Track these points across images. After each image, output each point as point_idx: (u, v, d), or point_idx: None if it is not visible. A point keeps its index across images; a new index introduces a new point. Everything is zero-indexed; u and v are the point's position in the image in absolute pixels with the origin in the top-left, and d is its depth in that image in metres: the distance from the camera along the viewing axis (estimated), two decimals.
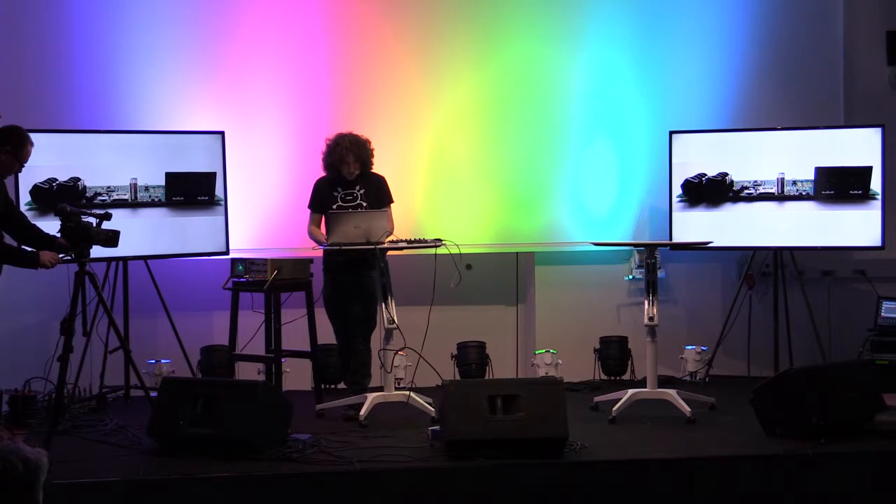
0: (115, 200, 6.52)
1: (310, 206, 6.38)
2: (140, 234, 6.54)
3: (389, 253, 6.22)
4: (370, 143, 6.34)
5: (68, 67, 6.96)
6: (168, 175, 6.70)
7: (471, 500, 4.91)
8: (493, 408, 5.12)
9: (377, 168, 6.42)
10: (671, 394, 6.07)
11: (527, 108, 7.43)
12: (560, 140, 7.47)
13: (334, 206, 6.26)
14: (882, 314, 7.16)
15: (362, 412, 5.88)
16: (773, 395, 5.56)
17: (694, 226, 7.15)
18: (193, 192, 6.77)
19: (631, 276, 7.54)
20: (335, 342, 6.71)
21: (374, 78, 7.27)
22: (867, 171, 6.98)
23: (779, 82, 7.58)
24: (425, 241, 6.19)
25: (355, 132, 6.30)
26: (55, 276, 6.11)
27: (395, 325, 6.03)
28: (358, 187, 6.31)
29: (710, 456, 5.20)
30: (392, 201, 6.39)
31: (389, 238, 6.08)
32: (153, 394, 5.70)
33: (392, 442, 5.41)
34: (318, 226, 6.33)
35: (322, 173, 6.38)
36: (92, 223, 5.51)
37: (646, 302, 6.18)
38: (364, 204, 6.28)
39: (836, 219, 7.03)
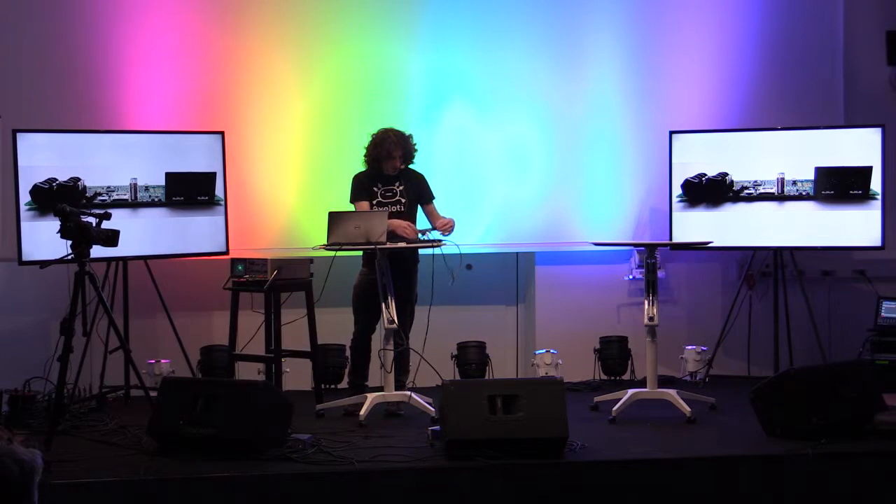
0: (115, 200, 6.52)
1: (354, 199, 6.34)
2: (140, 234, 6.53)
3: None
4: (412, 138, 6.36)
5: (69, 67, 6.95)
6: (168, 175, 6.70)
7: (471, 500, 4.91)
8: (493, 408, 5.12)
9: None
10: (671, 394, 6.07)
11: (526, 108, 7.43)
12: (560, 139, 7.47)
13: (374, 202, 6.28)
14: (882, 314, 7.16)
15: (362, 412, 5.87)
16: (773, 395, 5.56)
17: (694, 226, 7.15)
18: (193, 192, 6.77)
19: (631, 276, 7.54)
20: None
21: (375, 77, 7.27)
22: (867, 171, 6.98)
23: (779, 82, 7.58)
24: (425, 241, 6.20)
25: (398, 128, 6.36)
26: (55, 276, 6.12)
27: (395, 325, 6.03)
28: (398, 184, 6.35)
29: (710, 456, 5.20)
30: (433, 197, 6.45)
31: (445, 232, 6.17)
32: (153, 394, 5.69)
33: (392, 442, 5.41)
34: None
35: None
36: (91, 223, 5.51)
37: (646, 302, 6.18)
38: (403, 200, 6.31)
39: (836, 219, 7.03)
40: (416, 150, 6.40)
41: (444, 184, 7.01)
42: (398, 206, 6.31)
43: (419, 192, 6.41)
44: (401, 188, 6.35)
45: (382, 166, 6.31)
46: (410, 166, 6.45)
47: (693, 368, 7.35)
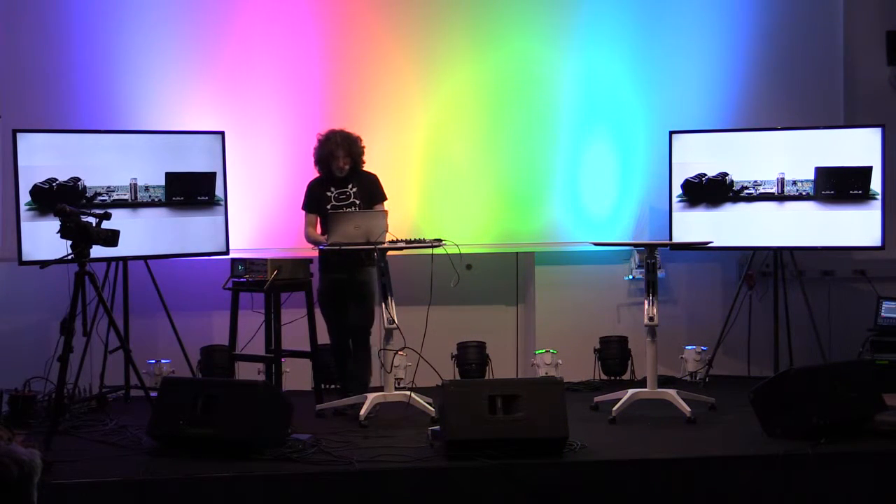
0: (115, 200, 6.52)
1: (304, 208, 6.40)
2: (140, 234, 6.54)
3: (389, 253, 6.21)
4: (361, 140, 6.36)
5: (68, 67, 6.96)
6: (168, 175, 6.70)
7: (471, 500, 4.92)
8: (493, 408, 5.12)
9: (376, 166, 6.44)
10: (671, 394, 6.07)
11: (526, 108, 7.42)
12: (560, 140, 7.47)
13: (328, 206, 6.27)
14: (882, 314, 7.16)
15: (362, 412, 5.87)
16: (773, 395, 5.56)
17: (694, 226, 7.14)
18: (193, 192, 6.77)
19: (631, 276, 7.54)
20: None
21: (373, 77, 7.27)
22: (867, 171, 6.98)
23: (779, 82, 7.58)
24: (425, 241, 6.20)
25: (348, 130, 6.33)
26: (55, 276, 6.11)
27: (395, 325, 6.03)
28: (350, 185, 6.33)
29: (710, 456, 5.20)
30: (385, 198, 6.41)
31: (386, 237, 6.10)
32: (153, 394, 5.69)
33: (392, 442, 5.42)
34: (314, 227, 6.34)
35: (316, 175, 6.39)
36: (91, 223, 5.51)
37: (646, 302, 6.18)
38: (357, 202, 6.30)
39: (836, 219, 7.03)
40: (364, 154, 6.34)
41: (444, 182, 7.04)
42: (353, 208, 6.29)
43: (371, 193, 6.39)
44: (353, 189, 6.33)
45: (330, 168, 6.30)
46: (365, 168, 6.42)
47: (693, 368, 7.35)
